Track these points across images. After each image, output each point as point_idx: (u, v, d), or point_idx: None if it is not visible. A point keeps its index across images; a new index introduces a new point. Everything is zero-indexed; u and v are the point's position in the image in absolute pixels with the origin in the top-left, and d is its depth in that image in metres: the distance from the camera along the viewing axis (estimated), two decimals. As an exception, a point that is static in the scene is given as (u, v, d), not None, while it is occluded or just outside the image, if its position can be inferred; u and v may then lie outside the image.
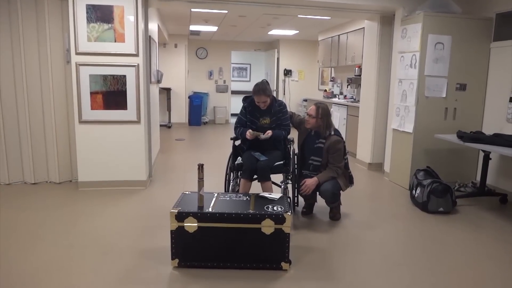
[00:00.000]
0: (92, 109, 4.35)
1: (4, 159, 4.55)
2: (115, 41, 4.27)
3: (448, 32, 4.53)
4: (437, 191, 3.93)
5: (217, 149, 7.38)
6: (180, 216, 2.64)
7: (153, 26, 5.83)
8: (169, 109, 10.26)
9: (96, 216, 3.73)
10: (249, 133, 3.53)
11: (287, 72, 10.65)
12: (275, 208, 2.74)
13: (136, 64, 4.34)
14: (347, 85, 7.88)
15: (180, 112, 10.49)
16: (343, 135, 5.11)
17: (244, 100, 3.75)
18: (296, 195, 3.77)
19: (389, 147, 5.28)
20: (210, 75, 11.34)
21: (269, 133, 3.54)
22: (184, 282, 2.56)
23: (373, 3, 4.89)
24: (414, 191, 4.19)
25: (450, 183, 4.15)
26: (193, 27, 8.66)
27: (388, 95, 5.43)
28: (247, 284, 2.53)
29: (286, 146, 3.80)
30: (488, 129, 4.56)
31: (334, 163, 3.52)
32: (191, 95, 10.69)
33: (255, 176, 3.52)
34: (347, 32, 7.48)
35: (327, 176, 3.51)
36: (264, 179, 3.47)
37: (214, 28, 8.75)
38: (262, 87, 3.53)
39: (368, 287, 2.55)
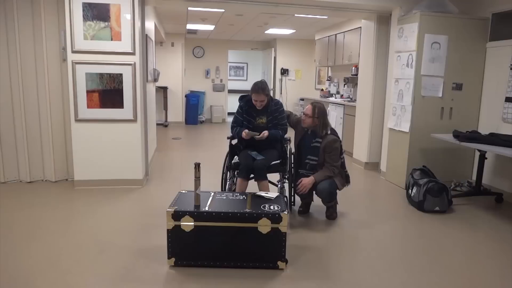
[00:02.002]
0: (88, 107, 4.33)
1: (0, 157, 4.53)
2: (111, 40, 4.25)
3: (444, 32, 4.55)
4: (433, 190, 3.94)
5: (214, 148, 7.38)
6: (177, 215, 2.63)
7: (150, 25, 5.82)
8: (165, 108, 10.24)
9: (92, 215, 3.71)
10: (245, 133, 3.53)
11: (284, 71, 10.65)
12: (271, 207, 2.74)
13: (132, 62, 4.32)
14: (344, 85, 7.90)
15: (176, 111, 10.47)
16: (340, 135, 5.12)
17: (240, 99, 3.75)
18: (292, 194, 3.77)
19: (386, 146, 5.30)
20: (207, 74, 11.32)
21: (265, 133, 3.54)
22: (180, 281, 2.55)
23: (370, 2, 4.90)
24: (410, 190, 4.21)
25: (446, 182, 4.17)
26: (190, 26, 8.64)
27: (384, 95, 5.44)
28: (244, 283, 2.53)
29: (282, 145, 3.80)
30: (484, 129, 4.58)
31: (331, 162, 3.52)
32: (187, 94, 10.67)
33: (252, 175, 3.52)
34: (344, 32, 7.49)
35: (323, 175, 3.51)
36: (261, 178, 3.48)
37: (211, 27, 8.73)
38: (261, 86, 3.54)
39: (364, 286, 2.56)
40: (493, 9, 4.61)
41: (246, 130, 3.56)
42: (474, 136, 4.02)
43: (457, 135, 4.10)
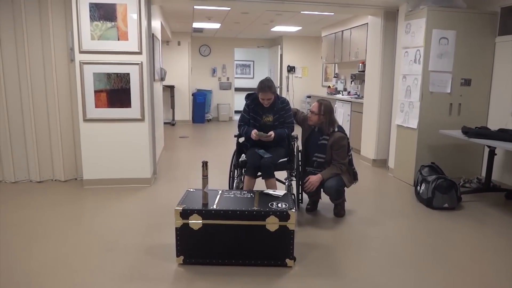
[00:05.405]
0: (96, 107, 4.36)
1: (10, 158, 4.59)
2: (118, 39, 4.27)
3: (452, 27, 4.50)
4: (442, 187, 3.91)
5: (221, 146, 7.39)
6: (185, 213, 2.65)
7: (156, 24, 5.83)
8: (172, 107, 10.27)
9: (101, 213, 3.75)
10: (254, 134, 3.53)
11: (291, 69, 10.62)
12: (279, 205, 2.74)
13: (139, 62, 4.34)
14: (351, 81, 7.86)
15: (183, 110, 10.50)
16: (347, 132, 5.10)
17: (246, 97, 3.74)
18: (300, 192, 3.77)
19: (394, 143, 5.27)
20: (214, 72, 11.33)
21: (271, 134, 3.53)
22: (189, 279, 2.57)
23: (377, -2, 4.87)
24: (418, 187, 4.18)
25: (455, 179, 4.14)
26: (196, 25, 8.65)
27: (392, 91, 5.41)
28: (252, 281, 2.54)
29: (290, 143, 3.79)
30: (493, 125, 4.53)
31: (338, 160, 3.51)
32: (194, 93, 10.69)
33: (259, 173, 3.52)
34: (350, 28, 7.44)
35: (331, 173, 3.50)
36: (268, 176, 3.48)
37: (217, 25, 8.74)
38: (268, 84, 3.53)
39: (372, 283, 2.55)
40: (502, 3, 4.55)
41: (255, 131, 3.55)
42: (483, 132, 3.98)
43: (466, 131, 4.06)
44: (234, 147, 3.82)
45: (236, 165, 3.71)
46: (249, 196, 2.94)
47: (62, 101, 4.57)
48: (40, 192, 4.37)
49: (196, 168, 5.25)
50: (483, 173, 4.60)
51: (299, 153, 3.73)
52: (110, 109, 4.39)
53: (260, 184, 3.53)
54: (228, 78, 11.45)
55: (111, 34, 4.25)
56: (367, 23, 6.05)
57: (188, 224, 2.65)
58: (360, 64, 7.12)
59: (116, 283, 2.50)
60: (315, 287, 2.48)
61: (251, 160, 3.51)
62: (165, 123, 8.43)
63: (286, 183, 3.67)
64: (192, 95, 10.58)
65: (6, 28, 4.34)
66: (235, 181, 3.71)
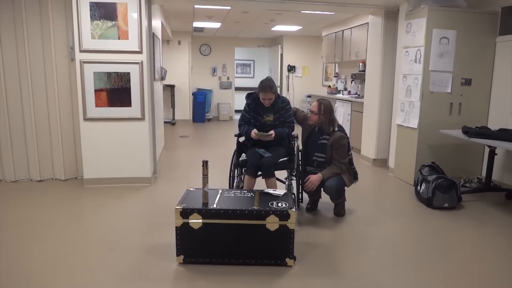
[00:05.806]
0: (96, 106, 4.36)
1: (10, 157, 4.59)
2: (118, 39, 4.27)
3: (453, 27, 4.50)
4: (442, 186, 3.91)
5: (221, 145, 7.39)
6: (185, 213, 2.65)
7: (157, 23, 5.83)
8: (173, 106, 10.27)
9: (101, 213, 3.75)
10: (254, 133, 3.53)
11: (291, 68, 10.62)
12: (279, 204, 2.74)
13: (140, 61, 4.34)
14: (351, 81, 7.85)
15: (184, 109, 10.50)
16: (347, 131, 5.10)
17: (247, 97, 3.74)
18: (300, 191, 3.77)
19: (394, 142, 5.26)
20: (214, 72, 11.33)
21: (272, 134, 3.53)
22: (189, 278, 2.57)
23: (377, -2, 4.86)
24: (419, 187, 4.18)
25: (455, 178, 4.13)
26: (196, 24, 8.65)
27: (392, 91, 5.40)
28: (252, 280, 2.54)
29: (290, 142, 3.79)
30: (494, 124, 4.53)
31: (338, 159, 3.51)
32: (195, 92, 10.69)
33: (260, 173, 3.52)
34: (351, 27, 7.44)
35: (331, 172, 3.50)
36: (269, 175, 3.48)
37: (217, 25, 8.73)
38: (269, 84, 3.52)
39: (372, 283, 2.55)
40: (503, 2, 4.55)
41: (255, 130, 3.55)
42: (483, 132, 3.97)
43: (467, 131, 4.06)
44: (234, 147, 3.82)
45: (236, 164, 3.71)
46: (249, 195, 2.94)
47: (62, 100, 4.57)
48: (40, 191, 4.37)
49: (196, 167, 5.26)
50: (484, 173, 4.60)
51: (299, 153, 3.72)
52: (111, 108, 4.39)
53: (260, 183, 3.53)
54: (228, 78, 11.45)
55: (111, 33, 4.25)
56: (368, 23, 6.05)
57: (188, 223, 2.65)
58: (361, 64, 7.11)
59: (116, 283, 2.50)
60: (315, 287, 2.49)
61: (251, 159, 3.51)
62: (165, 122, 8.43)
63: (286, 183, 3.68)
64: (193, 94, 10.58)
65: (6, 27, 4.34)
66: (235, 180, 3.71)
